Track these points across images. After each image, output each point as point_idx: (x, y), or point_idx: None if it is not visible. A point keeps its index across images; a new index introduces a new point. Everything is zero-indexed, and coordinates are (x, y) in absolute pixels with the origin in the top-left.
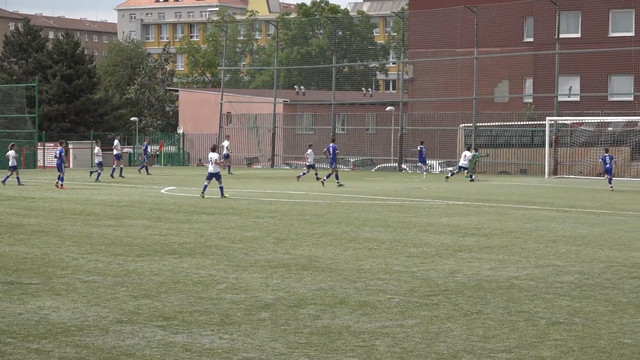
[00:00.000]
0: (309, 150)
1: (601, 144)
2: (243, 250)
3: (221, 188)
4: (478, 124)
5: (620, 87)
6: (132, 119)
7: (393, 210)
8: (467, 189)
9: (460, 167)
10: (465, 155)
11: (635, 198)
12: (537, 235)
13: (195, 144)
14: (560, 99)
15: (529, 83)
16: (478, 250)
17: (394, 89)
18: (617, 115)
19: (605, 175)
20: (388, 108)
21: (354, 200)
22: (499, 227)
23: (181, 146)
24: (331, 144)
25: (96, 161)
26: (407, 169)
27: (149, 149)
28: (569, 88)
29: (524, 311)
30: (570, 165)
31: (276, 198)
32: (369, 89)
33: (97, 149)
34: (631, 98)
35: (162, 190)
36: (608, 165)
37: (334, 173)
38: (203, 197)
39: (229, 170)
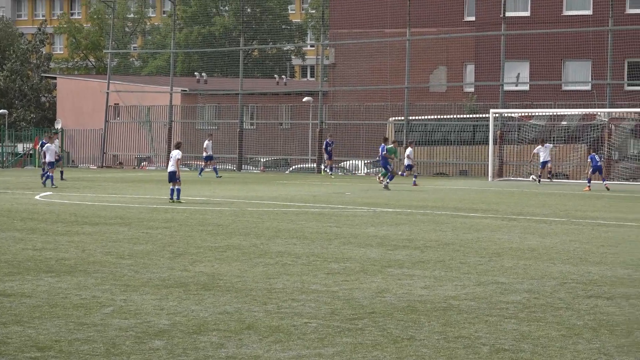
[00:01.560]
0: (207, 142)
1: (553, 140)
2: (133, 267)
3: (178, 190)
4: (411, 118)
5: (576, 75)
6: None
7: (311, 219)
8: (398, 194)
9: (408, 167)
10: (408, 155)
11: (592, 204)
12: (478, 247)
13: (76, 141)
14: (506, 87)
15: (470, 69)
16: (410, 266)
17: (312, 76)
18: (572, 107)
19: (590, 175)
20: (305, 99)
21: (264, 207)
22: (434, 239)
23: (60, 144)
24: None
25: None
26: (328, 171)
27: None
28: (517, 75)
29: (463, 336)
30: (518, 165)
31: (172, 205)
32: (283, 77)
33: None
34: (588, 87)
35: (37, 197)
36: (599, 164)
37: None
38: (174, 201)
39: (217, 173)
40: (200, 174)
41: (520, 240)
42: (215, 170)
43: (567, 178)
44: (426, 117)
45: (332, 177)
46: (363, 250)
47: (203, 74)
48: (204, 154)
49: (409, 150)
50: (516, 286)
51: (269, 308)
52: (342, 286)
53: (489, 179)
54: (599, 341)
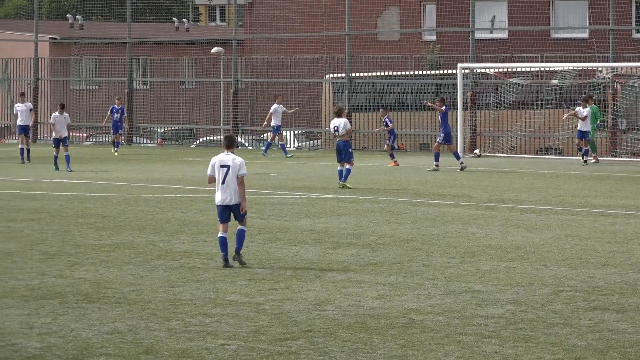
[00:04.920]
0: (276, 105)
1: (540, 103)
2: None
3: (67, 157)
4: (354, 75)
5: (569, 18)
6: None
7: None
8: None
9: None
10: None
11: (594, 187)
12: (446, 245)
13: None
14: (478, 35)
15: (430, 10)
16: (358, 269)
17: (222, 20)
18: (564, 61)
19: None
20: (214, 49)
21: (164, 192)
22: (388, 234)
23: None
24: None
25: None
26: (247, 145)
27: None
28: (492, 18)
29: None
30: (495, 137)
31: (42, 190)
32: (184, 20)
33: None
34: (585, 34)
35: None
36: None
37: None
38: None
39: (116, 147)
40: (266, 151)
41: (501, 235)
42: (283, 148)
43: (561, 154)
44: (374, 73)
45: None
46: (295, 249)
47: (78, 16)
48: (273, 122)
49: (274, 106)
50: (497, 295)
51: (173, 325)
52: (268, 296)
53: (459, 154)
54: None
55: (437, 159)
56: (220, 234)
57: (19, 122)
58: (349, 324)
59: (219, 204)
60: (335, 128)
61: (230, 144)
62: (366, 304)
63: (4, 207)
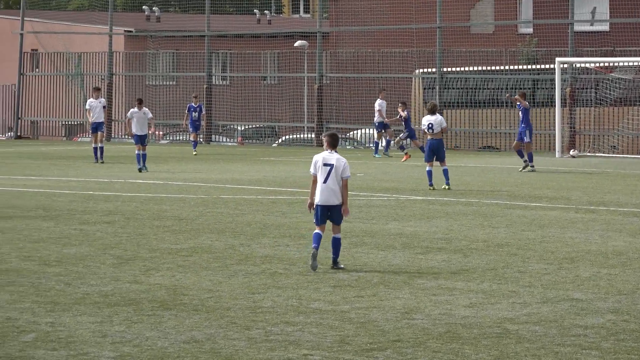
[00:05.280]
0: (380, 100)
1: None
2: (63, 277)
3: (144, 156)
4: (445, 70)
5: None
6: None
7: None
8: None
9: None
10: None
11: None
12: (543, 250)
13: None
14: (577, 27)
15: (526, 1)
16: (448, 276)
17: (306, 11)
18: None
19: None
20: (298, 43)
21: (244, 194)
22: (482, 238)
23: None
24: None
25: None
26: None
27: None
28: (592, 10)
29: None
30: (596, 136)
31: (116, 191)
32: (266, 12)
33: None
34: None
35: None
36: None
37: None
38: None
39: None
40: (386, 150)
41: (601, 240)
42: (376, 146)
43: None
44: (466, 68)
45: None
46: (383, 254)
47: (154, 8)
48: (377, 119)
49: (378, 102)
50: (597, 304)
51: (254, 334)
52: (354, 304)
53: (557, 154)
54: None
55: (531, 159)
56: (316, 231)
57: (92, 119)
58: (439, 333)
59: (319, 204)
60: (430, 125)
61: (334, 143)
62: (457, 312)
63: (77, 209)
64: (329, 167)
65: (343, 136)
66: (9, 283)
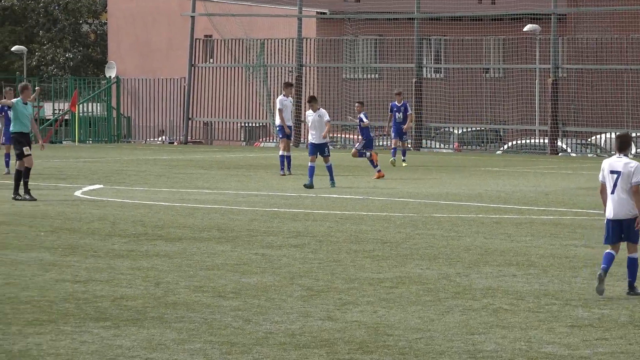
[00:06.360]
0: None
1: None
2: (241, 312)
3: (329, 168)
4: None
5: None
6: (14, 48)
7: (541, 232)
8: None
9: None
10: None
11: None
12: None
13: (140, 100)
14: None
15: None
16: None
17: None
18: None
19: None
20: (528, 27)
21: (461, 212)
22: None
23: (113, 104)
24: None
25: None
26: (569, 151)
27: None
28: None
29: None
30: None
31: (306, 208)
32: None
33: None
34: None
35: (78, 192)
36: None
37: None
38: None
39: (393, 155)
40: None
41: None
42: None
43: None
44: None
45: None
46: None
47: None
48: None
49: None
50: None
51: None
52: (597, 348)
53: None
54: None
55: None
56: (607, 251)
57: (281, 121)
58: None
59: (609, 218)
60: None
61: (623, 146)
62: None
63: (258, 230)
64: (615, 175)
65: (584, 142)
66: (177, 319)
